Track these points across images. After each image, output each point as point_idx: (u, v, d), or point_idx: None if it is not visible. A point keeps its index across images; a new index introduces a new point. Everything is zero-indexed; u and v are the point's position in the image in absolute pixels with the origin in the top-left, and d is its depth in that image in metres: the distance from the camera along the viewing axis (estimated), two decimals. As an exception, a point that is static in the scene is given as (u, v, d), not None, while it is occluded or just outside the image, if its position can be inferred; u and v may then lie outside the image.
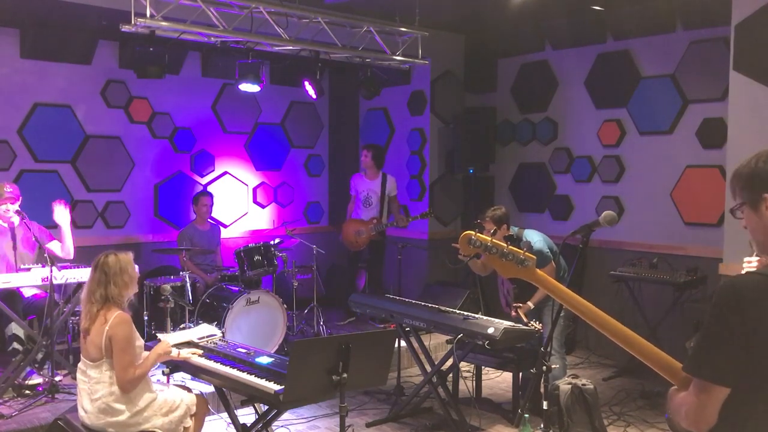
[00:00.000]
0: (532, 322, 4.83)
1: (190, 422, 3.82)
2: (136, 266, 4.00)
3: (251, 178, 8.52)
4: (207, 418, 4.20)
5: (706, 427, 1.83)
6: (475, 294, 7.32)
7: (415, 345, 5.48)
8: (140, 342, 3.76)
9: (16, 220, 5.62)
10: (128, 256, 3.79)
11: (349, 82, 8.36)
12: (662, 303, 6.32)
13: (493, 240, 2.18)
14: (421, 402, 5.37)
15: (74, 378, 5.28)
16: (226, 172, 8.28)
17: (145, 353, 3.87)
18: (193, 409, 3.85)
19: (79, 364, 3.73)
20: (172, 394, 3.85)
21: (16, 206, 5.53)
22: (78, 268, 5.33)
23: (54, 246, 5.67)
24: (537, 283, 2.20)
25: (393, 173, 8.23)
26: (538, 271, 2.18)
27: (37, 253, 5.64)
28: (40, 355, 5.33)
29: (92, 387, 3.60)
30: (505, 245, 2.16)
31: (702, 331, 1.86)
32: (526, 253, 2.16)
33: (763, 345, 1.78)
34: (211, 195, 7.51)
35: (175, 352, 3.91)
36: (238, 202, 8.40)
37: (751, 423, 1.84)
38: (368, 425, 5.14)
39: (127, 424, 3.59)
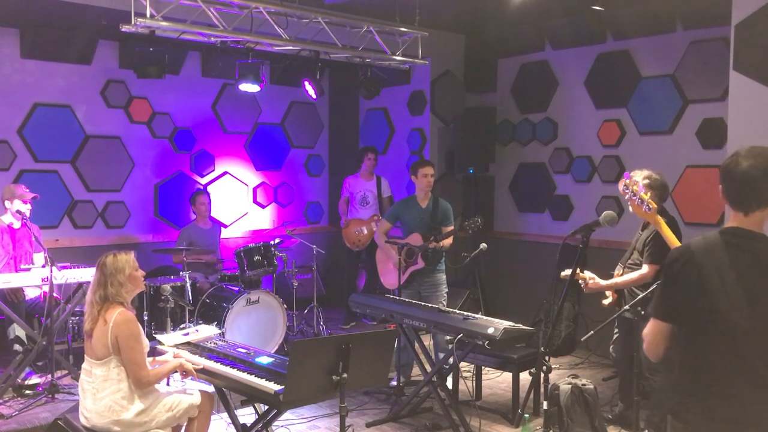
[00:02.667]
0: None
1: (195, 413, 3.84)
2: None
3: (251, 178, 8.52)
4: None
5: None
6: (475, 294, 7.33)
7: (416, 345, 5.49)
8: (146, 342, 3.77)
9: (17, 223, 5.65)
10: (127, 256, 3.80)
11: (349, 82, 8.36)
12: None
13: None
14: (421, 402, 5.36)
15: (74, 378, 5.31)
16: (226, 172, 8.28)
17: (161, 359, 3.94)
18: (196, 411, 3.85)
19: (83, 365, 3.73)
20: (177, 393, 3.86)
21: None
22: (78, 268, 5.34)
23: (38, 258, 5.72)
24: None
25: (393, 173, 8.24)
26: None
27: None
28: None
29: (98, 385, 3.60)
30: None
31: None
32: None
33: None
34: (207, 193, 7.50)
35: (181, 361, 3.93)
36: (238, 202, 8.40)
37: None
38: (368, 425, 5.14)
39: (133, 423, 3.60)
